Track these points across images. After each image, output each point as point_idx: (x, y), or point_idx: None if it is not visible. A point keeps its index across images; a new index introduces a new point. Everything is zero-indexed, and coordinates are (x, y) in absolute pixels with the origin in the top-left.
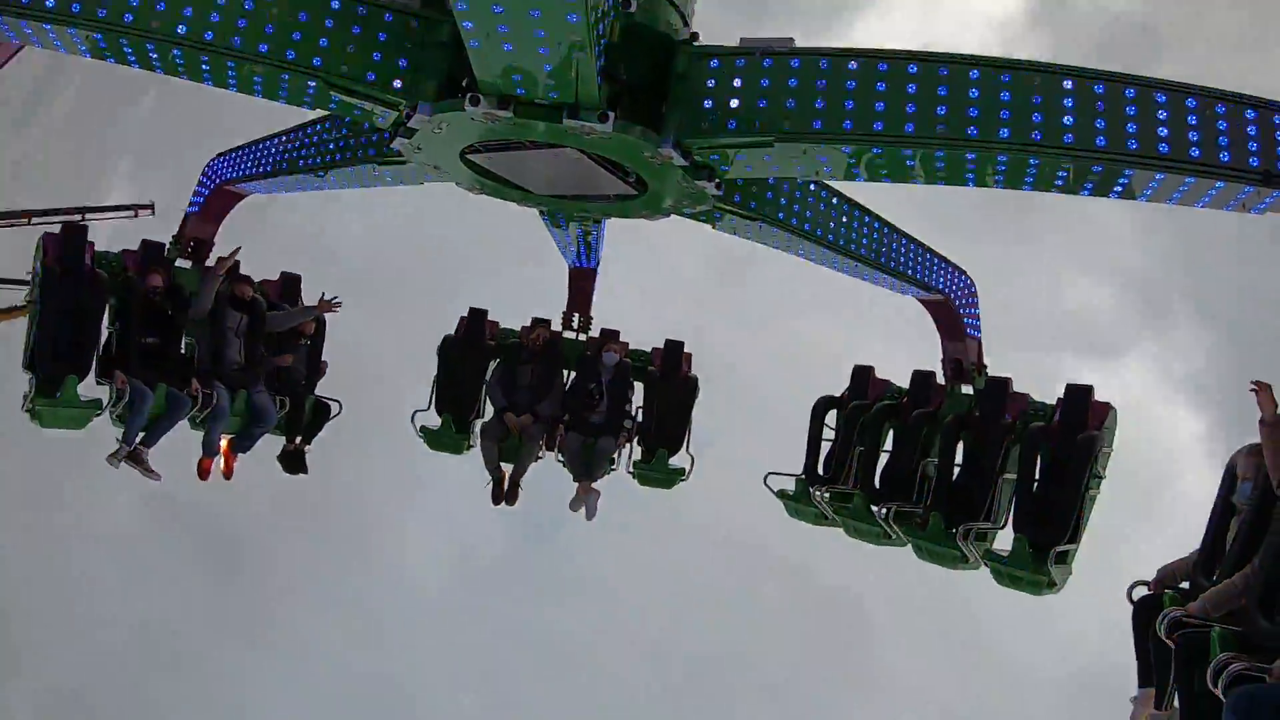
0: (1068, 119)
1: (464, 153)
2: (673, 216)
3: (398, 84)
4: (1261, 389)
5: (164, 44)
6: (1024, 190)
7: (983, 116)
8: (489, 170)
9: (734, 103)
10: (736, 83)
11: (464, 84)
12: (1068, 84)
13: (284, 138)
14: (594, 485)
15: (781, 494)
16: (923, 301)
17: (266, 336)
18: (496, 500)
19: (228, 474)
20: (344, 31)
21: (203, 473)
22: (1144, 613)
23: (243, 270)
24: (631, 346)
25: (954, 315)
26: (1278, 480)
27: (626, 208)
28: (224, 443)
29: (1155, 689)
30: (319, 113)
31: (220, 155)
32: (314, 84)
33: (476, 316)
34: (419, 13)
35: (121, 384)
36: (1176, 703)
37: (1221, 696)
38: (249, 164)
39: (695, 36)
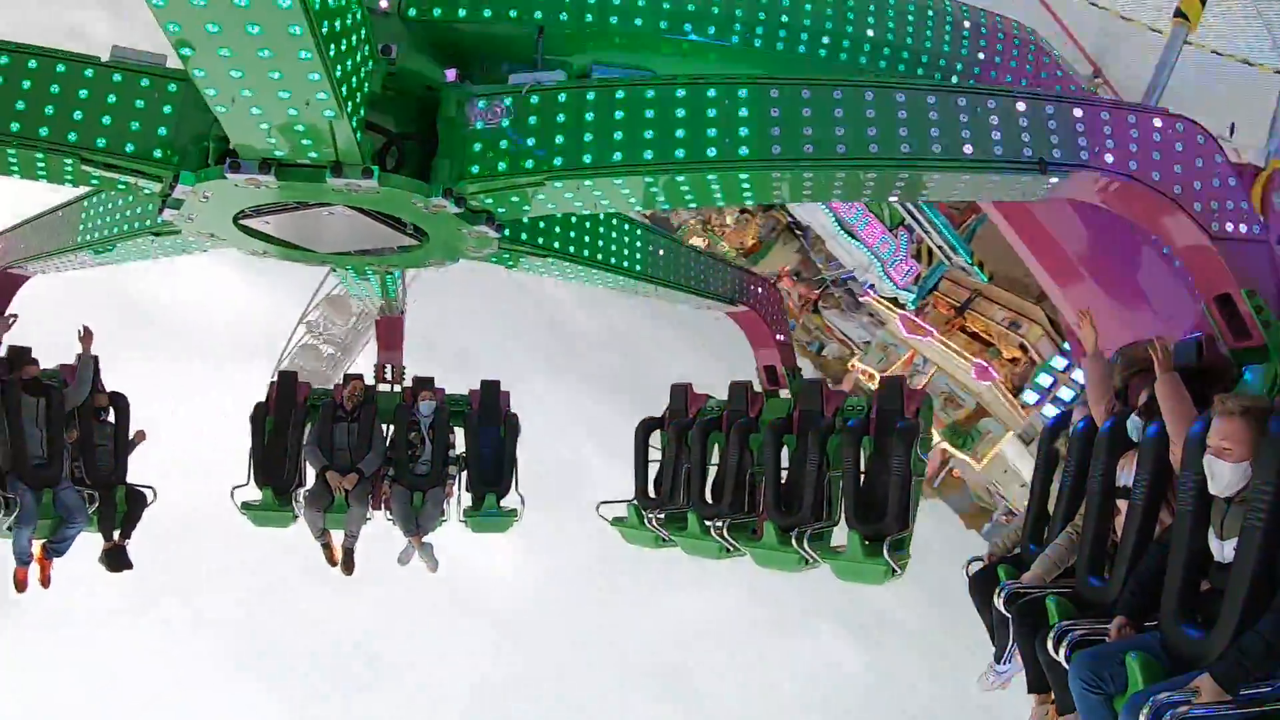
0: (838, 129)
1: (238, 218)
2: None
3: (158, 154)
4: (1083, 319)
5: None
6: (809, 201)
7: (752, 136)
8: (269, 235)
9: (502, 143)
10: (504, 122)
11: (229, 148)
12: (836, 94)
13: (60, 213)
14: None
15: (616, 521)
16: (730, 314)
17: (68, 420)
18: (331, 563)
19: (44, 582)
20: (98, 102)
21: (19, 584)
22: (980, 586)
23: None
24: (448, 391)
25: (762, 324)
26: (1097, 415)
27: (414, 257)
28: (37, 549)
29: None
30: None
31: None
32: (70, 161)
33: (287, 380)
34: (178, 75)
35: None
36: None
37: (1065, 663)
38: (27, 243)
39: (462, 79)
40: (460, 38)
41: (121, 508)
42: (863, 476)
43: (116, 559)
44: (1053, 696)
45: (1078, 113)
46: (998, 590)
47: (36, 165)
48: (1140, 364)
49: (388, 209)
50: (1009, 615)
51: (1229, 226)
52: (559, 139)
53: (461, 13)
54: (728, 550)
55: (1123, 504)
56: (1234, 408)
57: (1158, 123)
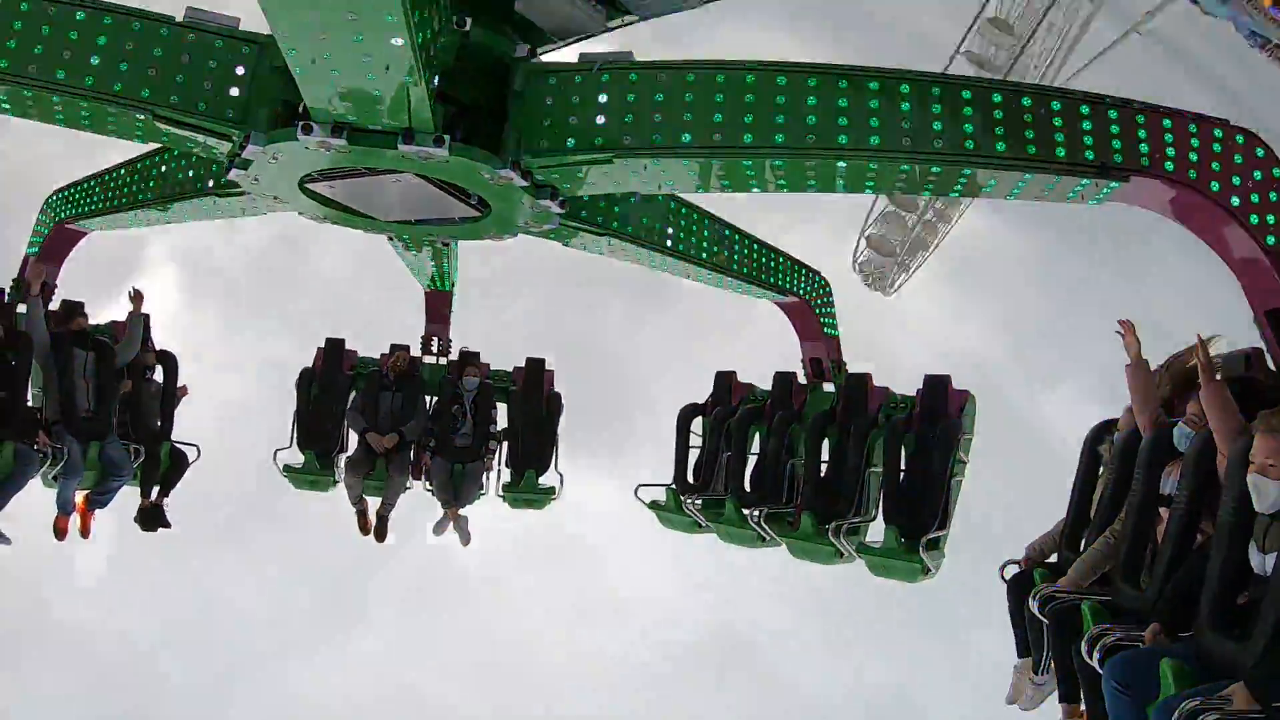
0: (904, 123)
1: (303, 182)
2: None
3: (230, 114)
4: (1126, 328)
5: None
6: (867, 193)
7: (820, 124)
8: (331, 199)
9: (572, 119)
10: (574, 99)
11: (299, 110)
12: (903, 88)
13: (123, 170)
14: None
15: (653, 505)
16: (779, 304)
17: (117, 376)
18: (364, 531)
19: (85, 533)
20: (173, 61)
21: (59, 533)
22: (1016, 590)
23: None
24: (493, 367)
25: (810, 316)
26: (1142, 424)
27: (473, 229)
28: (80, 499)
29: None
30: None
31: (58, 191)
32: (143, 117)
33: (334, 347)
34: (251, 38)
35: None
36: (1053, 669)
37: (1098, 668)
38: (89, 200)
39: (533, 53)
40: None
41: (165, 464)
42: (903, 474)
43: (153, 518)
44: (1083, 707)
45: (1140, 119)
46: (1032, 594)
47: (108, 120)
48: (1186, 375)
49: (455, 179)
50: (1043, 620)
51: None
52: (628, 118)
53: None
54: (763, 539)
55: (1164, 512)
56: (1278, 424)
57: (1219, 133)
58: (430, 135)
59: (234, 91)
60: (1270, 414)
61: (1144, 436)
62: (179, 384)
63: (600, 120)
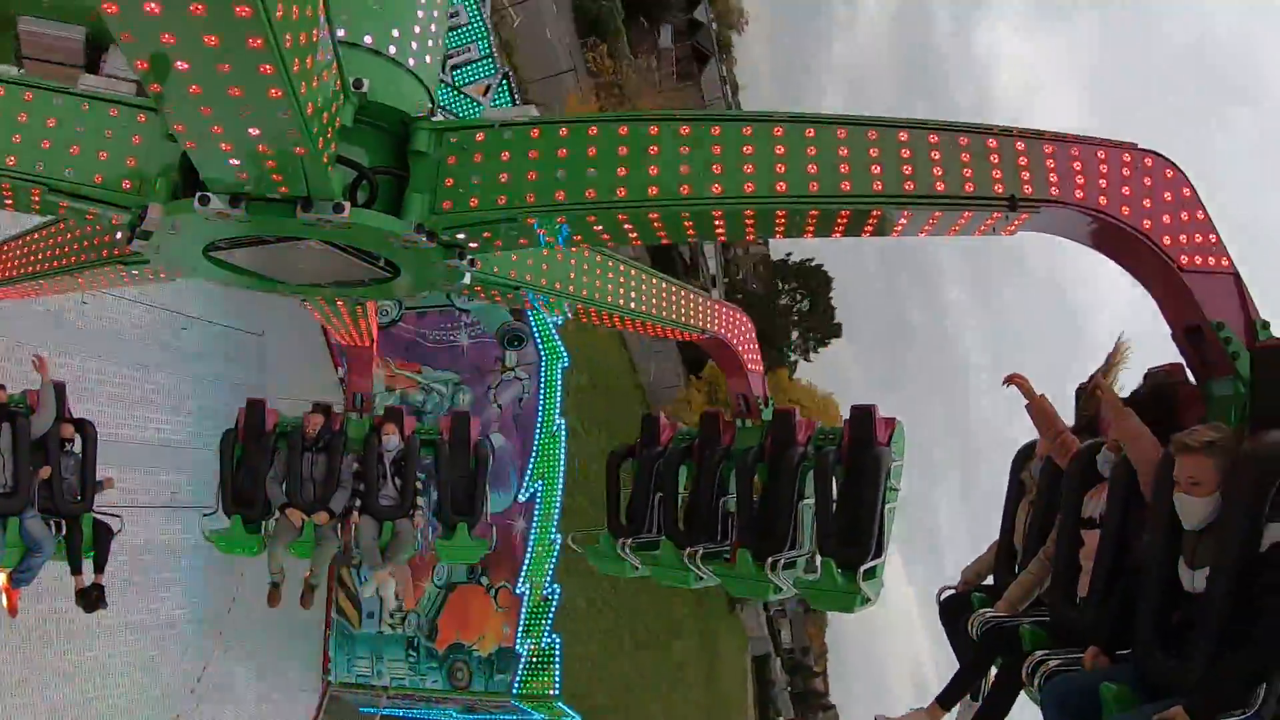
0: (810, 168)
1: (207, 250)
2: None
3: (126, 185)
4: (1014, 380)
5: None
6: (779, 238)
7: (725, 175)
8: (239, 266)
9: (474, 179)
10: (476, 158)
11: (200, 179)
12: (807, 132)
13: (27, 240)
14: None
15: (589, 550)
16: (700, 342)
17: (33, 449)
18: (273, 603)
19: (11, 610)
20: (67, 132)
21: None
22: (950, 613)
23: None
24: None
25: (732, 353)
26: (1054, 451)
27: (385, 290)
28: (2, 578)
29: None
30: None
31: None
32: (38, 191)
33: (254, 407)
34: (147, 106)
35: None
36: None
37: (1037, 692)
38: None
39: (434, 110)
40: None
41: (88, 538)
42: (836, 505)
43: (92, 598)
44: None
45: (1048, 149)
46: (971, 620)
47: (3, 194)
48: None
49: (360, 243)
50: (981, 644)
51: (1198, 259)
52: (531, 175)
53: None
54: (700, 578)
55: (1089, 535)
56: (1195, 443)
57: (1126, 158)
58: (329, 202)
59: (130, 162)
60: (1186, 434)
61: (1059, 463)
62: (103, 476)
63: (503, 178)
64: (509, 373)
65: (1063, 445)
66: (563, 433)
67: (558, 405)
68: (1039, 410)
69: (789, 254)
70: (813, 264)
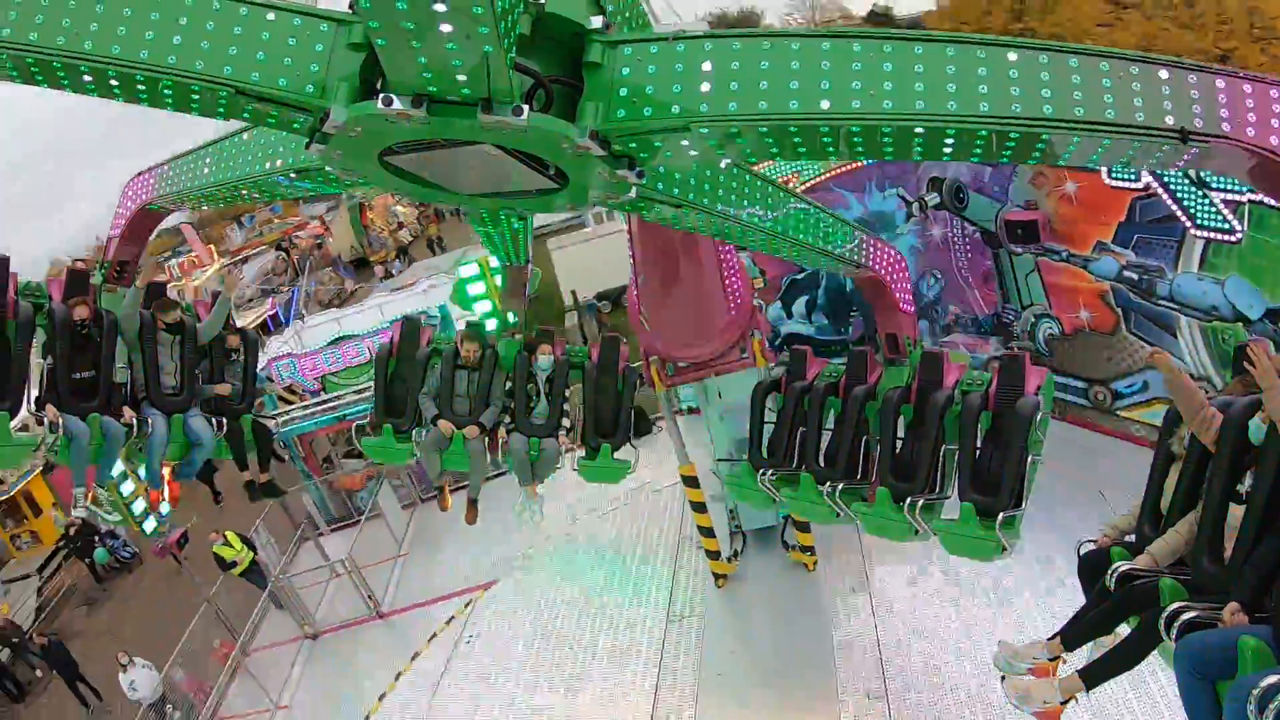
0: (981, 88)
1: (382, 155)
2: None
3: (310, 89)
4: (1155, 357)
5: (71, 61)
6: (943, 160)
7: (896, 90)
8: (410, 172)
9: (649, 89)
10: (650, 69)
11: (377, 86)
12: (979, 54)
13: (202, 152)
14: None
15: (729, 479)
16: (854, 279)
17: (200, 354)
18: (443, 508)
19: (174, 501)
20: (252, 38)
21: (153, 505)
22: (1091, 567)
23: None
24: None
25: (886, 291)
26: (1199, 430)
27: (550, 202)
28: (166, 472)
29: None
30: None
31: (139, 175)
32: (225, 94)
33: (410, 325)
34: (329, 15)
35: (54, 418)
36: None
37: (1172, 643)
38: (169, 182)
39: (609, 25)
40: None
41: (249, 437)
42: (979, 452)
43: (261, 489)
44: (1063, 659)
45: (1220, 84)
46: (1111, 571)
47: (191, 98)
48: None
49: (533, 149)
50: (1119, 595)
51: None
52: (704, 87)
53: None
54: (837, 515)
55: (1237, 509)
56: None
57: None
58: (509, 105)
59: (314, 67)
60: None
61: (1204, 440)
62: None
63: (676, 89)
64: None
65: (1204, 422)
66: None
67: None
68: (1180, 387)
69: None
70: None
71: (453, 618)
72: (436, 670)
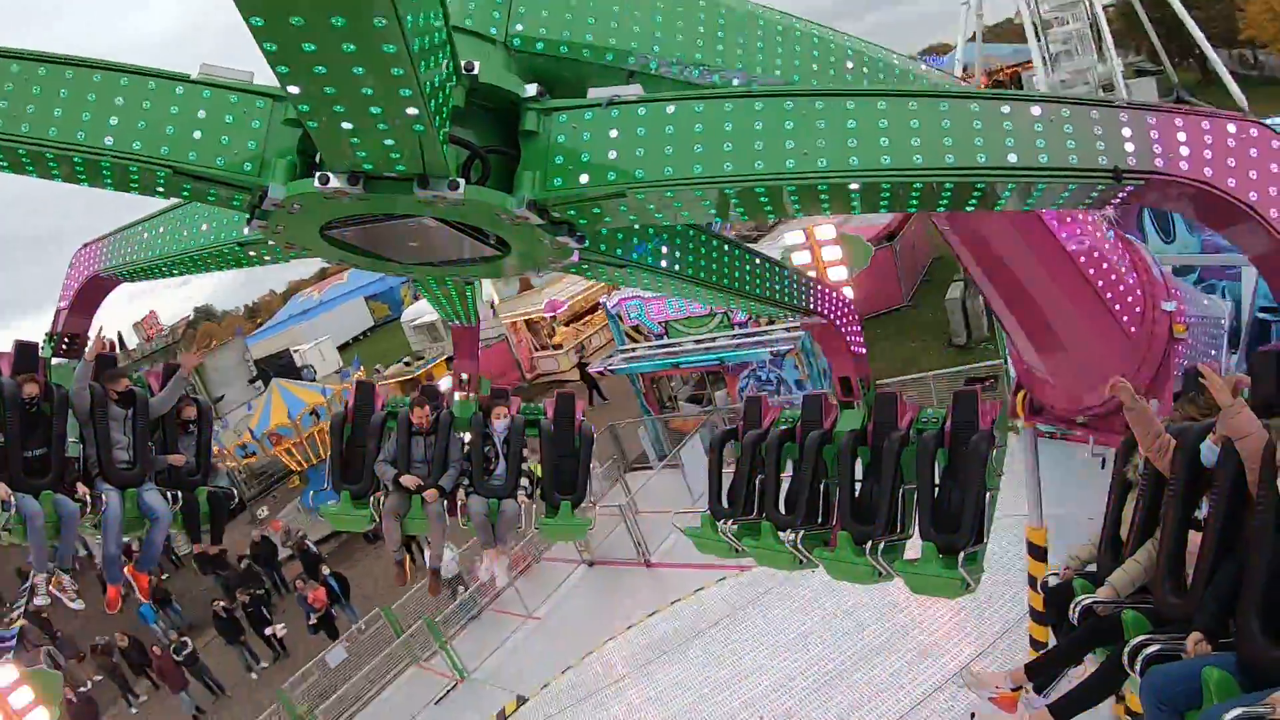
0: (914, 140)
1: (323, 229)
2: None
3: (247, 167)
4: (1114, 386)
5: (7, 144)
6: (881, 211)
7: (829, 149)
8: (353, 244)
9: (584, 156)
10: (585, 136)
11: (315, 160)
12: (911, 105)
13: (150, 223)
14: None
15: (689, 531)
16: (804, 325)
17: (153, 428)
18: (401, 583)
19: (144, 594)
20: (189, 117)
21: (110, 604)
22: (1056, 600)
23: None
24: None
25: (838, 336)
26: (1153, 455)
27: (494, 268)
28: (128, 567)
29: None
30: None
31: (86, 246)
32: (163, 174)
33: (364, 390)
34: (265, 92)
35: (5, 496)
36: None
37: (1138, 677)
38: (117, 254)
39: (543, 93)
40: (548, 65)
41: (205, 510)
42: (937, 489)
43: (210, 562)
44: (1032, 687)
45: (1151, 119)
46: (1072, 605)
47: (130, 178)
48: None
49: (472, 220)
50: (1081, 628)
51: None
52: (639, 151)
53: (563, 49)
54: (800, 561)
55: (1196, 536)
56: None
57: (1232, 128)
58: (445, 180)
59: (250, 145)
60: None
61: (1158, 466)
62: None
63: (612, 155)
64: None
65: (1160, 449)
66: None
67: None
68: (1138, 414)
69: None
70: None
71: (701, 588)
72: (664, 634)
